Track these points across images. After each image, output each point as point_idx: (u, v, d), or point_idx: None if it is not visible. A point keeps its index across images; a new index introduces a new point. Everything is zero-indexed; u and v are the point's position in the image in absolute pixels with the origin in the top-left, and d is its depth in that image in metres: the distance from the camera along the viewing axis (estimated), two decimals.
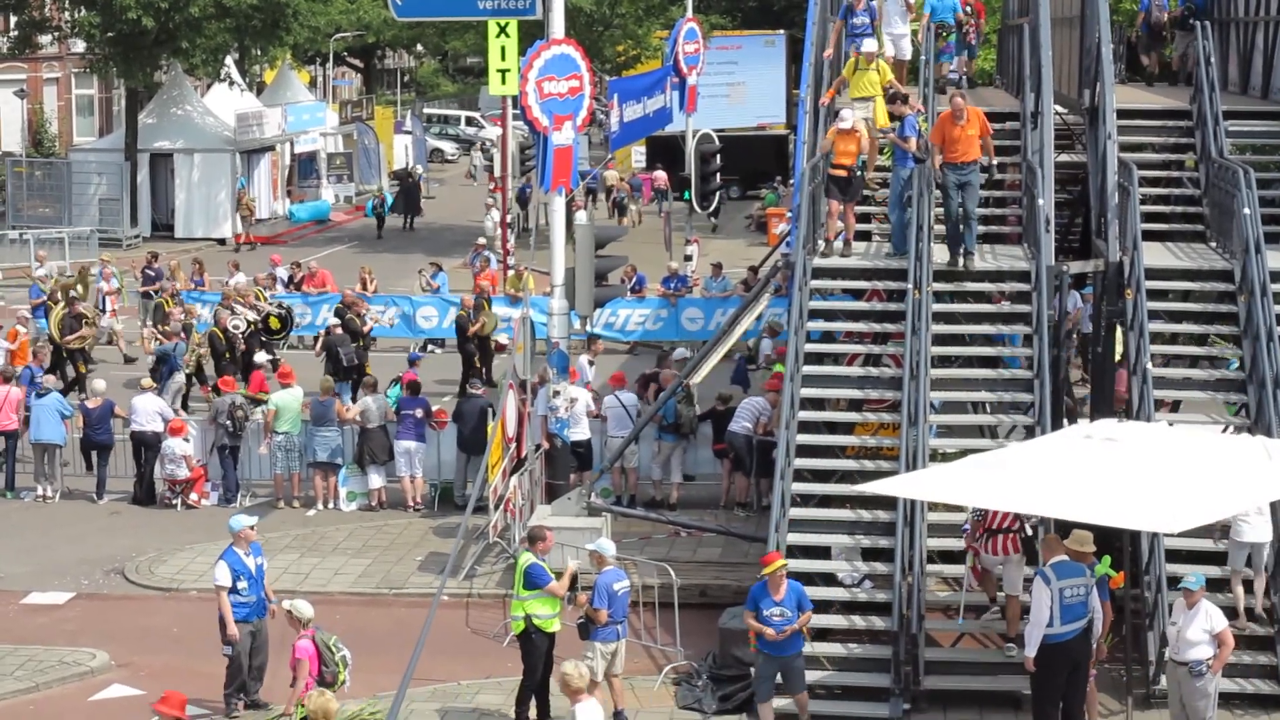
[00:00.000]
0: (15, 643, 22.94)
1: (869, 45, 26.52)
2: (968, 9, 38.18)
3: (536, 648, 19.92)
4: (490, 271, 42.82)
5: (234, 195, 60.53)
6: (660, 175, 59.02)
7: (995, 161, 25.15)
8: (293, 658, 18.69)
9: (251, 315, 35.62)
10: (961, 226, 24.23)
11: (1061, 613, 18.34)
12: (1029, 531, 20.43)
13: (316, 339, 37.80)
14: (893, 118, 25.79)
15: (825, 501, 22.67)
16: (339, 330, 34.61)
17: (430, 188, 72.33)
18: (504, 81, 34.59)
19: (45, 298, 37.94)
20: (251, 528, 20.79)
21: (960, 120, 24.07)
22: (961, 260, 24.21)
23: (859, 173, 24.94)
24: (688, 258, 45.02)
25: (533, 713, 20.00)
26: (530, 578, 19.82)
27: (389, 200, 65.10)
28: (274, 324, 36.67)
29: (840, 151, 24.71)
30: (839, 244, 25.00)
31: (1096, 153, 25.79)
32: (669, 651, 22.05)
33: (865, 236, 25.76)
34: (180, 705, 16.86)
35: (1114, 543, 19.72)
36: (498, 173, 55.40)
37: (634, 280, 40.28)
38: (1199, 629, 18.42)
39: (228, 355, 34.11)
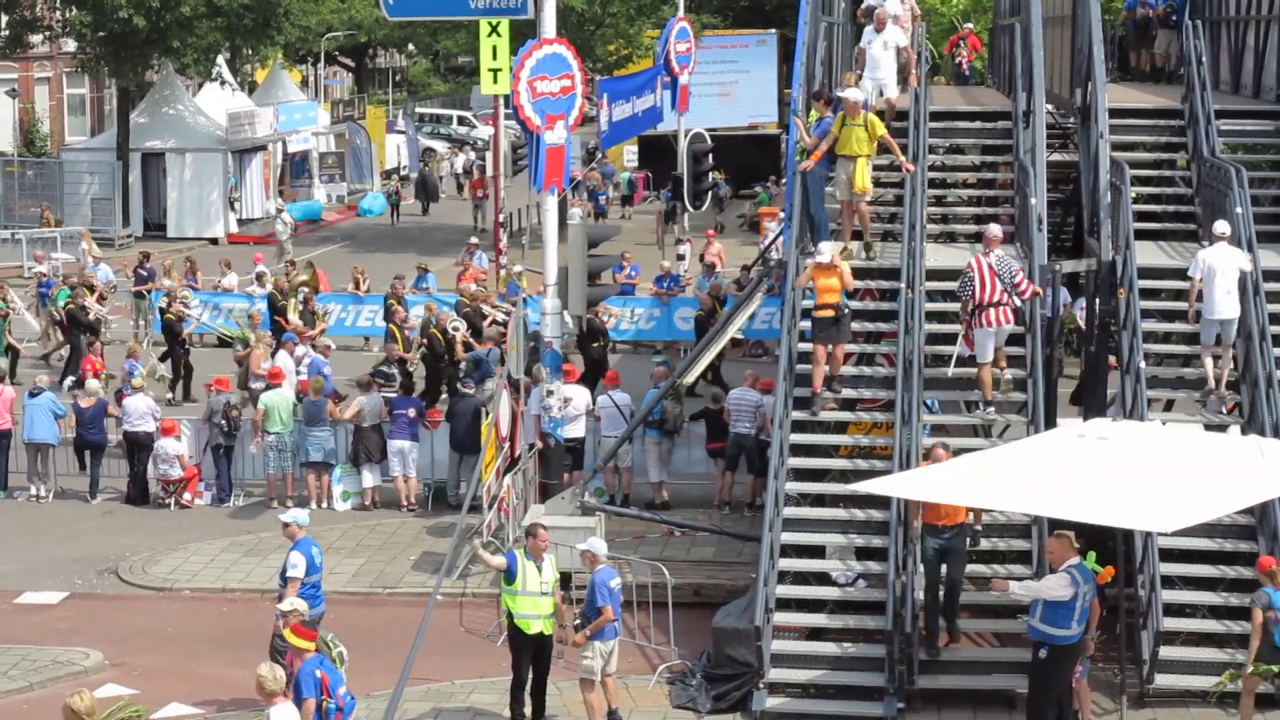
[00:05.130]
0: (9, 642, 22.96)
1: (853, 93, 24.97)
2: (961, 42, 38.41)
3: (517, 645, 19.99)
4: (475, 270, 42.81)
5: (226, 194, 60.49)
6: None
7: (980, 525, 21.26)
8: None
9: (501, 316, 35.39)
10: (945, 599, 20.86)
11: (1079, 615, 18.46)
12: (1019, 302, 22.49)
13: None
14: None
15: (819, 501, 22.70)
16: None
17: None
18: (496, 81, 34.60)
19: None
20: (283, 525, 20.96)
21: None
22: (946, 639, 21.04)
23: (845, 311, 23.10)
24: (680, 257, 45.01)
25: (528, 711, 20.06)
26: (506, 570, 19.98)
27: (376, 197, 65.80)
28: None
29: (822, 289, 22.87)
30: (826, 394, 23.22)
31: (1089, 152, 25.81)
32: (663, 651, 22.07)
33: (857, 235, 25.63)
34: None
35: (1106, 541, 19.75)
36: (489, 172, 55.40)
37: (628, 270, 40.34)
38: None
39: (446, 357, 33.47)
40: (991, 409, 22.78)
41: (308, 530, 20.88)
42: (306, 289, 37.92)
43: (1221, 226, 23.52)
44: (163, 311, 37.34)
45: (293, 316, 36.29)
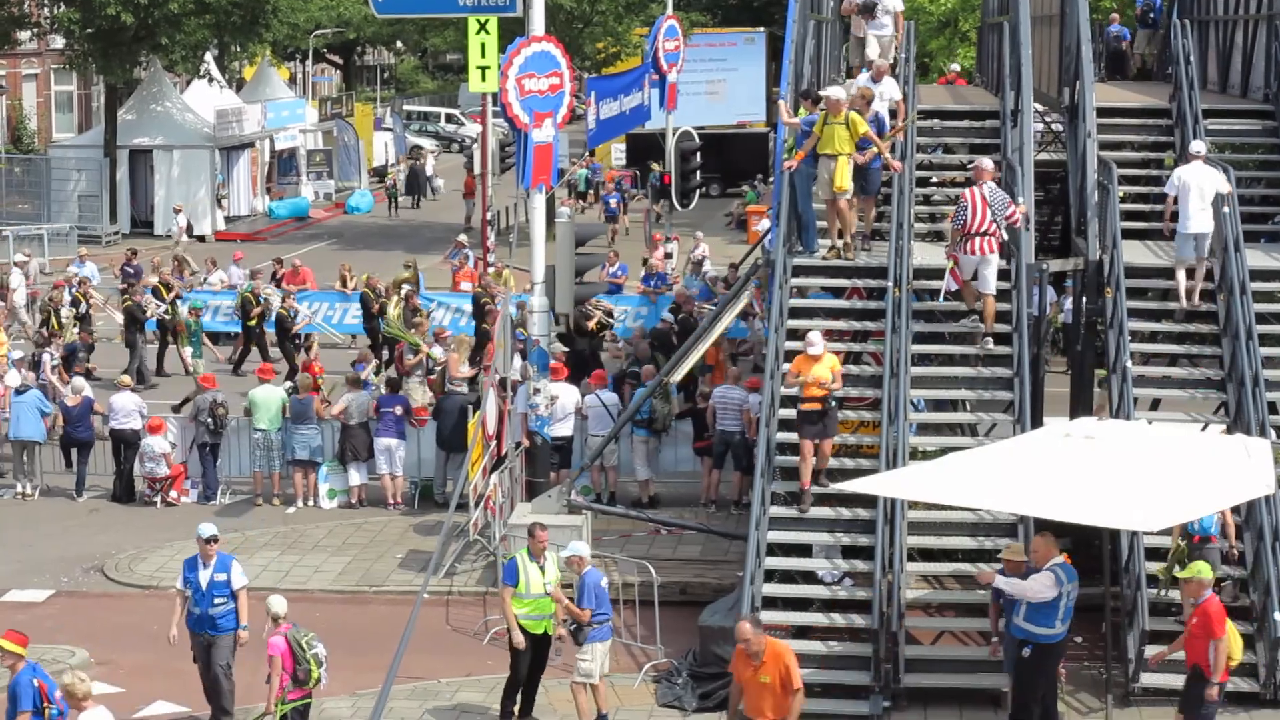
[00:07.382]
0: None
1: (835, 91, 24.63)
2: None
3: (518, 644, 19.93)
4: (469, 269, 42.81)
5: (214, 191, 60.47)
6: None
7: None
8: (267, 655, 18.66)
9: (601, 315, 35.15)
10: None
11: (1064, 614, 18.48)
12: (1005, 235, 23.11)
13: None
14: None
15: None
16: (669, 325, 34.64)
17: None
18: (484, 78, 34.47)
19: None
20: (207, 541, 19.75)
21: (756, 662, 17.60)
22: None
23: (833, 404, 22.34)
24: (668, 255, 44.98)
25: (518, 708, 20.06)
26: (503, 571, 19.92)
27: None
28: None
29: (810, 381, 22.20)
30: (811, 490, 22.06)
31: (1076, 151, 25.83)
32: (649, 649, 22.07)
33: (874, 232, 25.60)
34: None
35: (1093, 541, 19.76)
36: (476, 170, 55.40)
37: (616, 267, 40.29)
38: None
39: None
40: (989, 340, 23.23)
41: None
42: (409, 286, 37.93)
43: (1196, 145, 24.61)
44: (246, 305, 37.89)
45: (393, 313, 36.24)
